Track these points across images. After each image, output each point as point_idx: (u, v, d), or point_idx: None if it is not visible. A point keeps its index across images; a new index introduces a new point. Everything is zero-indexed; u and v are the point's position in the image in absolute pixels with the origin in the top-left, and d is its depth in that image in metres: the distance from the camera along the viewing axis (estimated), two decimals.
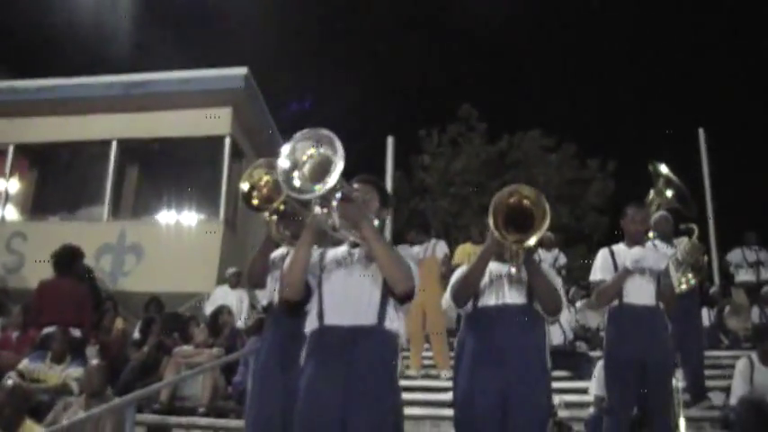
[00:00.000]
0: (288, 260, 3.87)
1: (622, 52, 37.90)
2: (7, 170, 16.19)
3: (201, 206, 15.69)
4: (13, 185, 16.54)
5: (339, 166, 3.38)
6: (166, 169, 16.72)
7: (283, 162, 3.55)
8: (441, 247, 10.46)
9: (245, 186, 4.57)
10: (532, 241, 4.31)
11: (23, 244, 15.05)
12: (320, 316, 3.82)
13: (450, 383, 5.90)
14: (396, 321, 3.81)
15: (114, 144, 15.77)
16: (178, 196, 15.90)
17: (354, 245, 3.89)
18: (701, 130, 16.83)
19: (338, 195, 3.54)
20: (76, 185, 16.96)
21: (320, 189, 3.41)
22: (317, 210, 3.60)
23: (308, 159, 3.55)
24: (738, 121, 29.60)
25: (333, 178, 3.37)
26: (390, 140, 16.02)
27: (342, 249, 3.94)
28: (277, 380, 4.40)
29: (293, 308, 3.90)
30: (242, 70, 15.25)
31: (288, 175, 3.54)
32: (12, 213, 16.38)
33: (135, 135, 15.80)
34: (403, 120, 28.05)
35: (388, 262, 3.68)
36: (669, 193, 9.92)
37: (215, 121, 15.33)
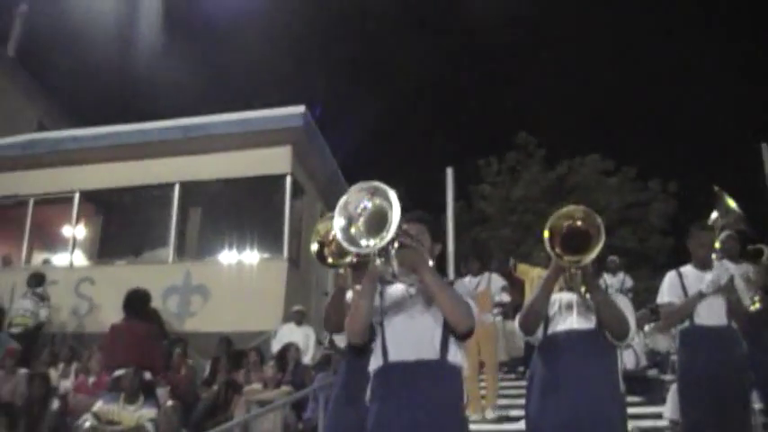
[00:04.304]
0: (351, 309, 3.95)
1: (679, 70, 37.64)
2: (74, 217, 16.49)
3: (264, 245, 15.78)
4: (80, 231, 16.85)
5: (396, 219, 3.41)
6: (229, 209, 16.93)
7: (338, 219, 3.59)
8: (495, 281, 10.45)
9: (314, 247, 4.56)
10: (587, 260, 4.28)
11: (91, 288, 15.26)
12: (384, 354, 3.86)
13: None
14: (458, 355, 3.85)
15: (177, 187, 15.95)
16: (241, 236, 16.02)
17: (412, 284, 3.91)
18: (763, 146, 16.59)
19: (395, 244, 3.59)
20: (141, 229, 17.25)
21: (378, 243, 3.46)
22: (376, 260, 3.65)
23: (362, 212, 3.59)
24: None
25: (390, 232, 3.41)
26: (450, 171, 16.05)
27: (400, 289, 3.96)
28: (349, 414, 4.47)
29: (360, 350, 4.00)
30: (300, 109, 15.34)
31: (345, 231, 3.58)
32: (80, 259, 16.64)
33: (197, 177, 15.95)
34: (461, 150, 28.17)
35: (448, 304, 3.74)
36: (733, 216, 9.80)
37: (275, 161, 15.48)
